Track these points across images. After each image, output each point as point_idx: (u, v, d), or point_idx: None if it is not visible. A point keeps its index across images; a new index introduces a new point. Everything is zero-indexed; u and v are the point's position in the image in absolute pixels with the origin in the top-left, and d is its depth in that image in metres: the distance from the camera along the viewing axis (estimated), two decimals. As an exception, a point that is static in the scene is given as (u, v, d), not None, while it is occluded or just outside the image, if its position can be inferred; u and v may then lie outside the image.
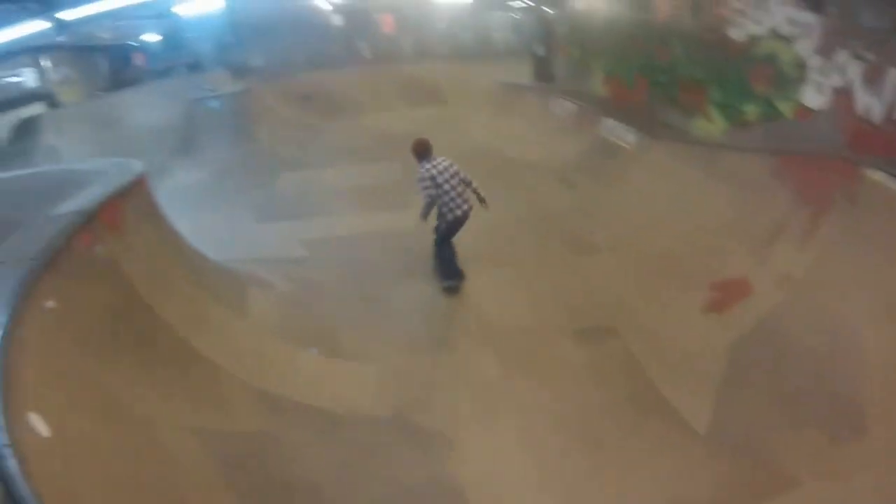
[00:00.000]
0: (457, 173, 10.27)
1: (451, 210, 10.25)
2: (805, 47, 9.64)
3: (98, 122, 24.01)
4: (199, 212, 14.48)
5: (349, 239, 13.08)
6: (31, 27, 15.28)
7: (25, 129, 21.23)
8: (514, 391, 8.13)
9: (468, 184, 10.44)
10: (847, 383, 6.48)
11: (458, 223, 10.42)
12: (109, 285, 6.66)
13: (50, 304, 5.35)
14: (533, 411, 7.79)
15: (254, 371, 7.77)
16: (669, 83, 13.88)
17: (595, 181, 14.08)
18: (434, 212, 10.53)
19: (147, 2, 15.85)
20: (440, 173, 10.11)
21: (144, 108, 25.46)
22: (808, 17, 9.54)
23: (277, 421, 7.23)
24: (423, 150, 10.43)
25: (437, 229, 10.88)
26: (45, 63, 23.87)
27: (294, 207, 15.59)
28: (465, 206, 10.34)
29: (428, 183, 10.10)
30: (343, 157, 19.85)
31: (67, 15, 14.84)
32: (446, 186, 10.10)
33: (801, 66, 9.76)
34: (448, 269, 10.85)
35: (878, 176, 7.43)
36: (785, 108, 10.23)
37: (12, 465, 3.42)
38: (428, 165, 10.22)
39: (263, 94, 25.14)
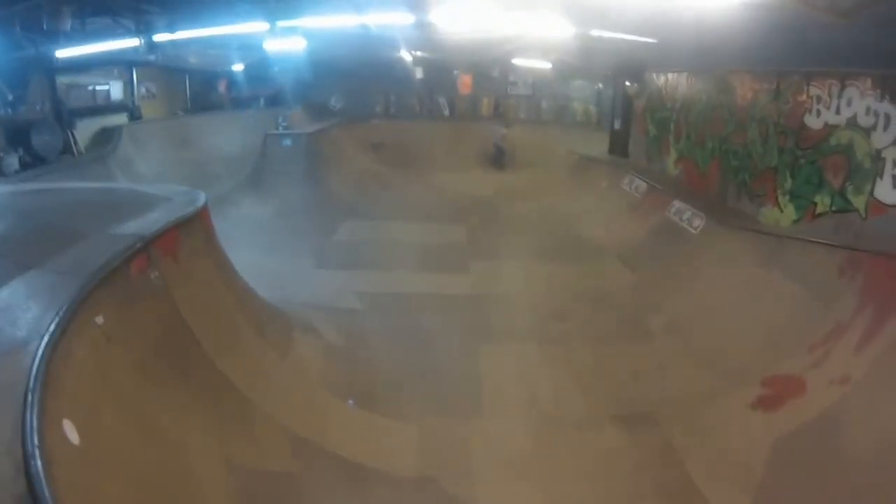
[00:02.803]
0: None
1: None
2: (882, 139, 9.33)
3: (173, 141, 24.87)
4: (258, 247, 14.75)
5: (404, 296, 13.09)
6: (124, 43, 16.03)
7: (105, 137, 21.93)
8: (545, 469, 7.89)
9: None
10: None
11: None
12: (159, 311, 6.89)
13: (100, 319, 5.51)
14: (560, 491, 7.51)
15: (288, 413, 7.80)
16: (742, 168, 13.62)
17: (657, 264, 13.91)
18: None
19: (237, 34, 16.47)
20: None
21: (220, 135, 26.44)
22: (887, 108, 9.24)
23: (305, 465, 7.23)
24: None
25: None
26: (133, 77, 24.92)
27: (353, 257, 15.71)
28: None
29: None
30: (408, 212, 20.06)
31: (160, 37, 15.55)
32: None
33: (877, 158, 9.43)
34: None
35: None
36: (858, 201, 9.88)
37: (38, 465, 3.52)
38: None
39: (337, 137, 25.66)
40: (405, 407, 9.02)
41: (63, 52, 16.02)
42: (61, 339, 4.71)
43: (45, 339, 4.60)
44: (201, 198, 9.46)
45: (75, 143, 20.21)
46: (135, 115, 24.82)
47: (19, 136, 17.53)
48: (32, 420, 3.81)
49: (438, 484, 7.57)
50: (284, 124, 24.86)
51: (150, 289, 6.91)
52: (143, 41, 15.34)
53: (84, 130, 21.17)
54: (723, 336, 10.03)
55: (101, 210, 8.85)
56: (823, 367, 8.01)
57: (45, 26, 12.49)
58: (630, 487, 7.54)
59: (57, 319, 4.88)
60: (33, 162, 17.60)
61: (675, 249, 13.79)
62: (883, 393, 7.03)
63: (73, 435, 4.16)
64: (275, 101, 31.42)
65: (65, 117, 19.94)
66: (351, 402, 8.90)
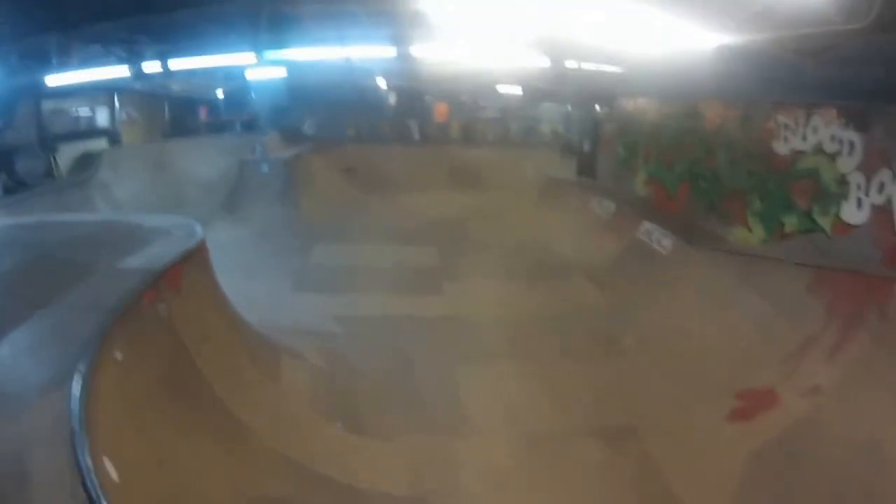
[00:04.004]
0: None
1: None
2: (847, 164, 9.79)
3: (152, 166, 24.89)
4: (236, 271, 14.63)
5: (382, 319, 13.24)
6: (113, 71, 16.31)
7: (85, 162, 22.15)
8: (530, 483, 8.09)
9: None
10: (871, 500, 6.39)
11: None
12: (165, 343, 7.14)
13: (118, 355, 5.71)
14: (545, 504, 7.75)
15: (282, 438, 7.97)
16: (711, 190, 14.02)
17: (628, 284, 14.12)
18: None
19: (221, 64, 16.86)
20: None
21: (197, 160, 26.35)
22: (851, 135, 9.71)
23: (300, 488, 7.37)
24: None
25: None
26: (115, 102, 25.18)
27: (329, 281, 15.79)
28: None
29: None
30: (381, 236, 20.15)
31: (148, 66, 15.84)
32: None
33: (842, 182, 9.88)
34: None
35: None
36: (824, 222, 10.30)
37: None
38: None
39: (311, 163, 25.78)
40: (392, 428, 9.15)
41: (53, 79, 16.36)
42: (91, 377, 4.90)
43: (79, 379, 4.79)
44: (199, 231, 9.79)
45: (56, 166, 20.30)
46: (115, 140, 25.01)
47: (4, 160, 17.76)
48: (86, 461, 4.00)
49: (429, 502, 7.73)
50: (261, 150, 24.90)
51: (159, 321, 7.16)
52: (132, 70, 15.57)
53: (66, 154, 21.27)
54: (695, 353, 10.28)
55: (105, 244, 9.10)
56: (795, 379, 8.36)
57: (54, 60, 12.76)
58: (613, 498, 7.77)
59: (87, 359, 5.08)
60: (16, 186, 17.70)
61: (646, 269, 14.02)
62: (852, 402, 7.41)
63: (112, 473, 4.36)
64: (250, 125, 31.54)
65: (48, 142, 20.09)
66: (339, 425, 9.04)
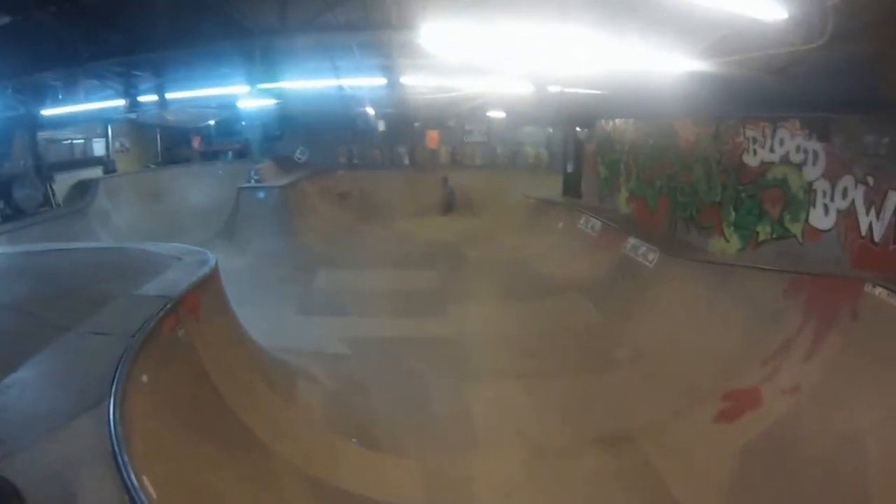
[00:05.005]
0: None
1: None
2: (813, 172, 10.43)
3: (149, 194, 25.34)
4: (240, 298, 14.76)
5: (388, 341, 13.48)
6: (110, 104, 16.71)
7: (82, 190, 22.28)
8: (540, 494, 8.37)
9: None
10: (852, 490, 6.75)
11: None
12: (187, 368, 7.26)
13: (144, 379, 5.81)
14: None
15: (302, 457, 8.15)
16: (689, 204, 14.59)
17: (617, 298, 14.48)
18: None
19: (215, 95, 17.22)
20: None
21: (193, 188, 26.97)
22: (815, 145, 10.37)
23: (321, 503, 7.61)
24: None
25: None
26: (109, 131, 25.45)
27: (332, 305, 16.07)
28: None
29: None
30: (379, 260, 20.50)
31: (143, 98, 16.19)
32: None
33: (809, 189, 10.50)
34: None
35: (878, 292, 7.91)
36: (795, 228, 10.93)
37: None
38: None
39: (306, 190, 26.02)
40: (404, 444, 9.38)
41: (49, 111, 16.77)
42: (123, 401, 4.97)
43: (113, 401, 4.84)
44: (212, 257, 9.89)
45: (53, 195, 20.56)
46: (109, 169, 25.29)
47: (2, 189, 18.09)
48: (132, 480, 4.10)
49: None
50: (257, 178, 24.99)
51: (179, 346, 7.26)
52: (128, 102, 15.86)
53: (61, 183, 21.58)
54: (683, 359, 10.69)
55: (118, 271, 9.23)
56: (776, 378, 8.74)
57: (51, 93, 13.01)
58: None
59: (119, 381, 5.14)
60: (14, 215, 17.99)
61: (633, 283, 14.41)
62: (830, 397, 7.78)
63: (152, 491, 4.40)
64: (242, 154, 31.92)
65: (44, 171, 20.37)
66: (355, 441, 9.21)
